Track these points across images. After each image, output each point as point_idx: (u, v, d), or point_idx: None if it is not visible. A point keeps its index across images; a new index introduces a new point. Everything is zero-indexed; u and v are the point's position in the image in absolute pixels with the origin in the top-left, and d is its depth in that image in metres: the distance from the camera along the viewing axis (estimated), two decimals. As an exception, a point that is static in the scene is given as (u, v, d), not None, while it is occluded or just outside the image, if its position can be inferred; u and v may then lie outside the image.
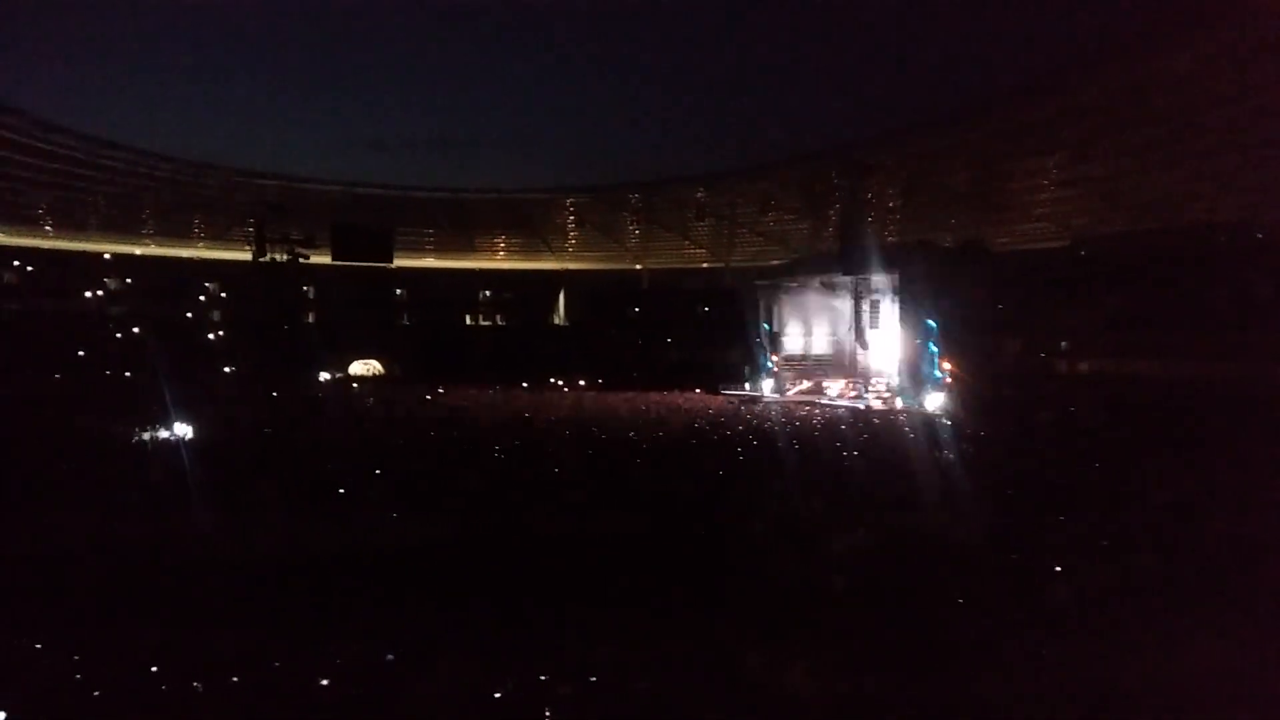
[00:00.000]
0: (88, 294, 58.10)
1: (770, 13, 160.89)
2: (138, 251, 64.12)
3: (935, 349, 35.82)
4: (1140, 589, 10.09)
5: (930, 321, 36.44)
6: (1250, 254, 39.84)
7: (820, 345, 44.09)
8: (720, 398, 41.68)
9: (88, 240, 61.29)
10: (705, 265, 73.39)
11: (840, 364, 42.20)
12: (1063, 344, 44.02)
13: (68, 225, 60.21)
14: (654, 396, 40.67)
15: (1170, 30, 41.16)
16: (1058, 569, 10.74)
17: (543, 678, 7.59)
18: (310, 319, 62.64)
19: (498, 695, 7.33)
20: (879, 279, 39.95)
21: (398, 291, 68.69)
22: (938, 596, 9.86)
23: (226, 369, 48.08)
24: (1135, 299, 41.42)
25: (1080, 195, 52.72)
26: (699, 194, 64.86)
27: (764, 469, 18.97)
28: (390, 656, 8.04)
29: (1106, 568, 10.74)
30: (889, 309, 39.96)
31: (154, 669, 7.63)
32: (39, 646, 8.14)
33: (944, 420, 29.08)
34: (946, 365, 35.89)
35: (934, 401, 33.55)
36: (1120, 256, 45.07)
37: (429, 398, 40.00)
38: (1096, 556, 11.20)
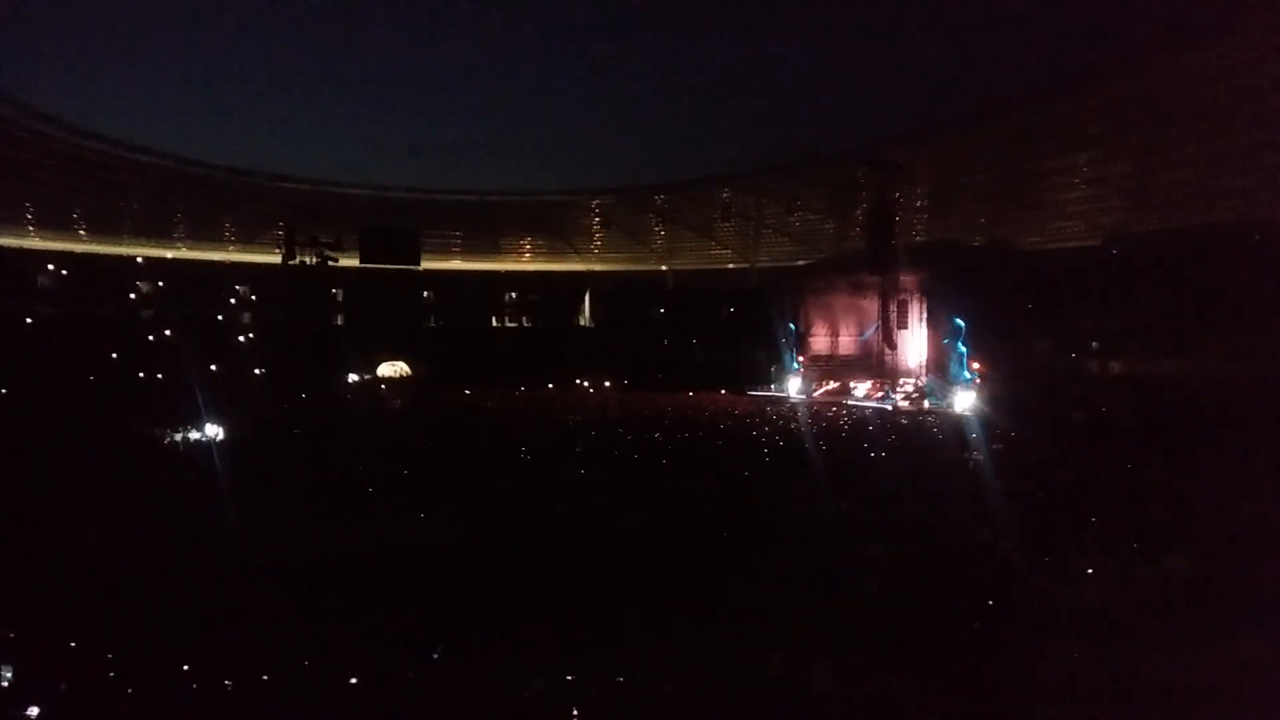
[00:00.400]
0: (120, 296, 58.79)
1: (796, 11, 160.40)
2: (169, 255, 64.91)
3: (964, 349, 35.52)
4: (1171, 590, 9.94)
5: (959, 321, 36.13)
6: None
7: (847, 346, 43.89)
8: (746, 398, 41.57)
9: (120, 244, 62.12)
10: (731, 266, 73.00)
11: (867, 364, 41.93)
12: (1094, 344, 43.36)
13: (101, 229, 61.04)
14: (680, 398, 40.58)
15: (1202, 27, 40.47)
16: (1089, 570, 10.60)
17: (570, 677, 7.60)
18: (339, 321, 63.20)
19: (526, 694, 7.34)
20: (906, 279, 39.64)
21: (425, 294, 69.01)
22: (968, 599, 9.75)
23: (256, 370, 48.55)
24: (1168, 298, 40.64)
25: (1110, 193, 51.86)
26: (724, 194, 64.45)
27: (791, 472, 18.88)
28: (435, 655, 8.09)
29: (1138, 569, 10.58)
30: (916, 309, 39.68)
31: (186, 667, 7.71)
32: (73, 644, 8.25)
33: (973, 421, 28.76)
34: (975, 365, 35.57)
35: (963, 402, 33.21)
36: (1152, 255, 44.23)
37: (457, 399, 40.19)
38: (1129, 558, 11.03)
